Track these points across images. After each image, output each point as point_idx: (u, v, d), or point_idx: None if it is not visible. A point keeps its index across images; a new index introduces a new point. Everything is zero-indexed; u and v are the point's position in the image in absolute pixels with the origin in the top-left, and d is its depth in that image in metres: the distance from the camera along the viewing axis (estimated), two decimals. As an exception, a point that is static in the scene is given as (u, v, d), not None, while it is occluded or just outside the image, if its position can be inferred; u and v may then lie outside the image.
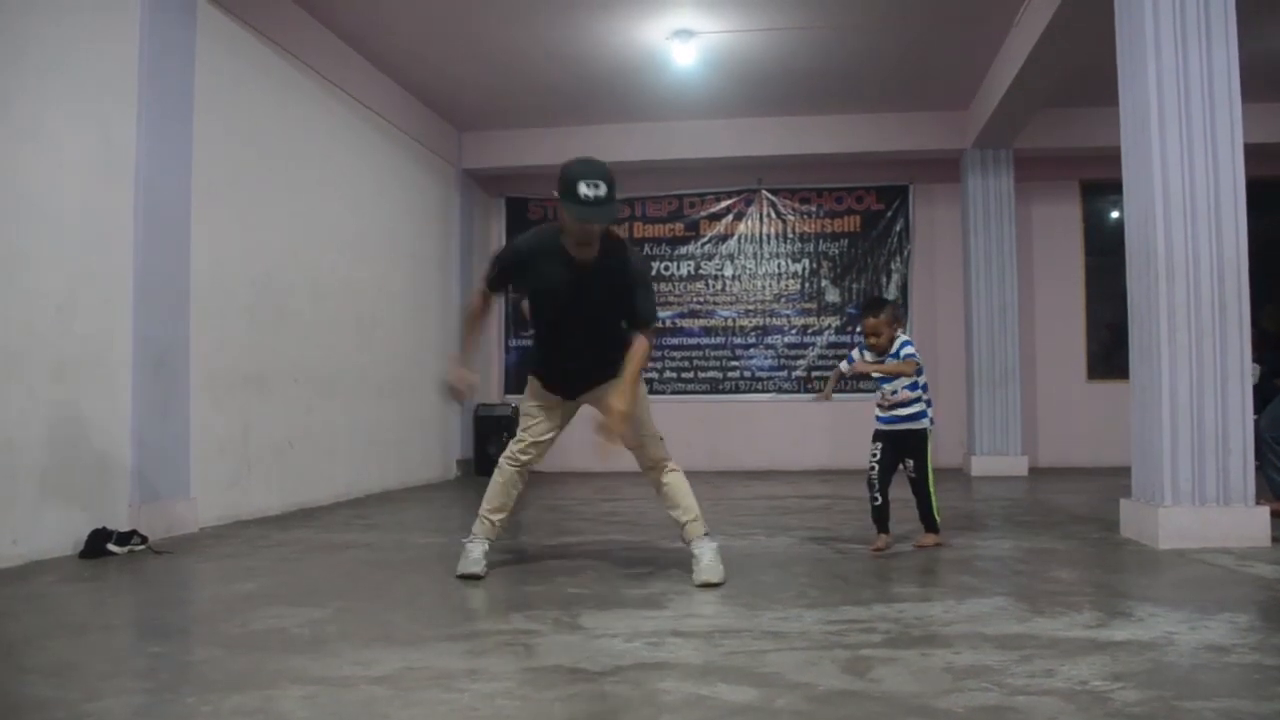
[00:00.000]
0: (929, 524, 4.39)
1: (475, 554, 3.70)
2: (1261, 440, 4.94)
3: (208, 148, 5.46)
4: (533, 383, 3.77)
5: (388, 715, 2.07)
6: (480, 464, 9.35)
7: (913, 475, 4.37)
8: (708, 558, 3.57)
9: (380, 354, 7.80)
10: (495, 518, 3.78)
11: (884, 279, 9.94)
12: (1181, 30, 4.36)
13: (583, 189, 3.30)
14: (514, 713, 2.08)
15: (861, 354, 4.45)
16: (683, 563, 4.04)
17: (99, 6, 4.71)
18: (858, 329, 9.91)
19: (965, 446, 9.02)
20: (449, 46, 7.40)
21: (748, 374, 10.07)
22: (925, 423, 4.35)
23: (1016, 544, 4.44)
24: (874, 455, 4.39)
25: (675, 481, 3.70)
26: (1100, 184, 9.46)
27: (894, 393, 4.35)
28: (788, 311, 10.07)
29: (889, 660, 2.44)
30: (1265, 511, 4.27)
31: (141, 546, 4.46)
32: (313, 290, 6.74)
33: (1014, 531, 4.87)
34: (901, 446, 4.37)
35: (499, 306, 10.39)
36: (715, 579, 3.49)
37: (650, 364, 10.07)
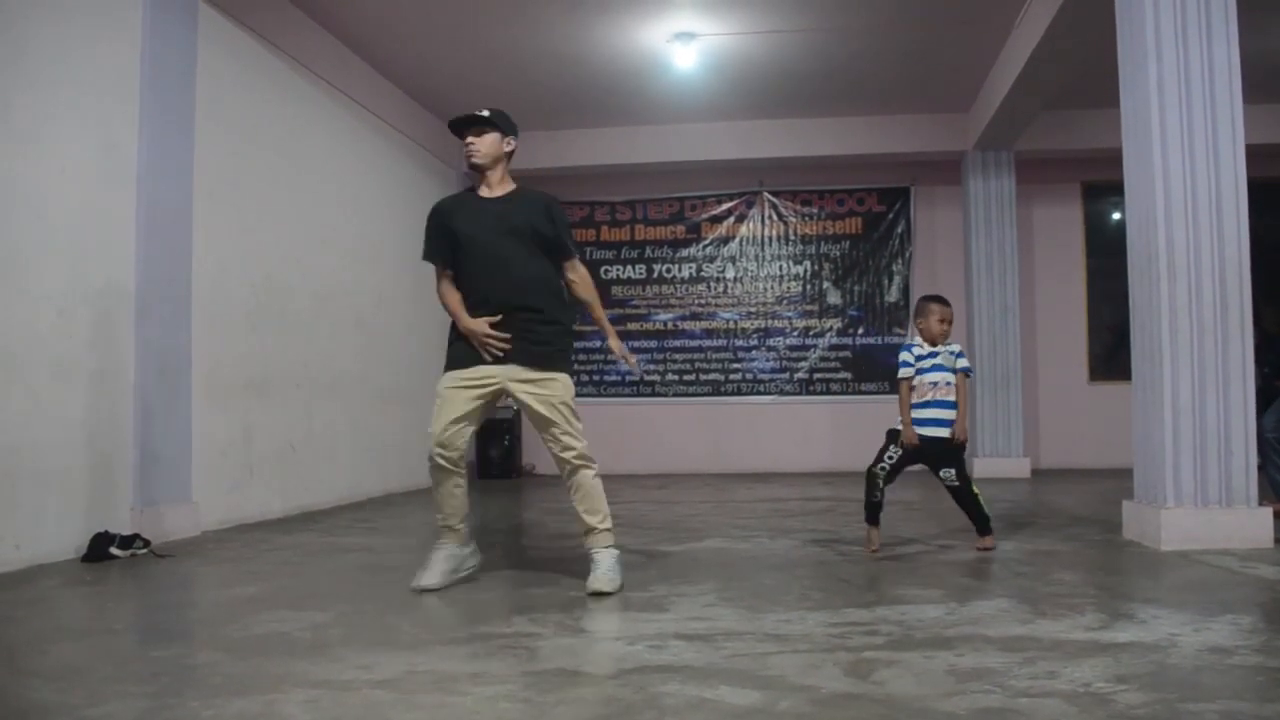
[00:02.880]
0: (983, 526, 4.33)
1: (436, 560, 3.57)
2: (1264, 441, 4.94)
3: (209, 151, 5.47)
4: (451, 358, 3.54)
5: (390, 719, 2.07)
6: (482, 467, 9.35)
7: (955, 484, 4.28)
8: (606, 564, 3.48)
9: (381, 357, 7.81)
10: (449, 522, 3.61)
11: (885, 281, 9.94)
12: (1182, 31, 4.36)
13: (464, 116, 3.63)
14: (516, 716, 2.08)
15: (910, 350, 4.39)
16: (685, 566, 4.04)
17: (100, 10, 4.72)
18: (860, 330, 9.91)
19: (967, 448, 9.01)
20: (450, 50, 7.41)
21: (749, 376, 10.07)
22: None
23: (1019, 546, 4.44)
24: (889, 457, 4.28)
25: (588, 482, 3.55)
26: (1101, 185, 9.46)
27: (934, 385, 4.28)
28: (789, 314, 10.07)
29: (892, 663, 2.44)
30: (1268, 512, 4.26)
31: (144, 550, 4.46)
32: (314, 293, 6.75)
33: (1016, 533, 4.86)
34: (939, 456, 4.29)
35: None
36: (607, 588, 3.39)
37: (652, 366, 10.12)
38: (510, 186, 3.66)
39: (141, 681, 2.43)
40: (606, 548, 3.53)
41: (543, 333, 3.50)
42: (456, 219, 3.59)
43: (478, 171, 3.65)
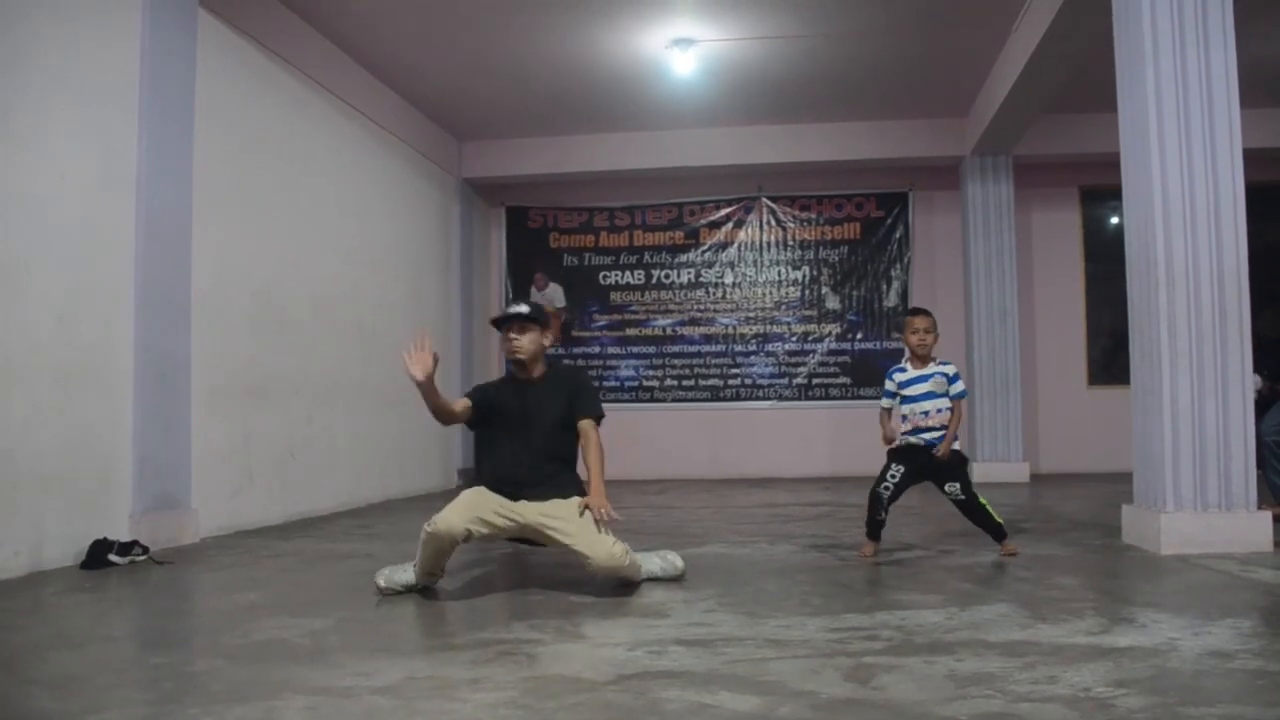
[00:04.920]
0: (998, 534, 4.31)
1: (401, 576, 3.61)
2: (1263, 444, 4.94)
3: (208, 157, 5.48)
4: (491, 476, 3.74)
5: (390, 725, 2.07)
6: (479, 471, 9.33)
7: (961, 498, 4.26)
8: (659, 564, 3.83)
9: (381, 363, 7.80)
10: (426, 567, 3.61)
11: (884, 286, 9.95)
12: (1180, 35, 4.37)
13: (509, 309, 3.78)
14: (516, 722, 2.08)
15: (892, 378, 4.40)
16: (685, 571, 4.04)
17: (99, 15, 4.72)
18: (859, 335, 9.91)
19: (966, 453, 9.01)
20: (449, 56, 7.42)
21: (748, 381, 10.07)
22: (958, 442, 4.31)
23: (1019, 550, 4.43)
24: (892, 476, 4.27)
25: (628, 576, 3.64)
26: (1100, 190, 9.48)
27: (925, 414, 4.29)
28: (788, 319, 10.08)
29: (892, 668, 2.43)
30: (1267, 516, 4.26)
31: (143, 557, 4.45)
32: (313, 300, 6.75)
33: (1016, 538, 4.85)
34: (942, 471, 4.27)
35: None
36: (680, 565, 3.84)
37: (652, 371, 10.14)
38: (543, 368, 3.82)
39: (141, 689, 2.43)
40: (651, 565, 3.81)
41: (561, 479, 3.71)
42: (501, 395, 3.78)
43: (518, 367, 3.78)
